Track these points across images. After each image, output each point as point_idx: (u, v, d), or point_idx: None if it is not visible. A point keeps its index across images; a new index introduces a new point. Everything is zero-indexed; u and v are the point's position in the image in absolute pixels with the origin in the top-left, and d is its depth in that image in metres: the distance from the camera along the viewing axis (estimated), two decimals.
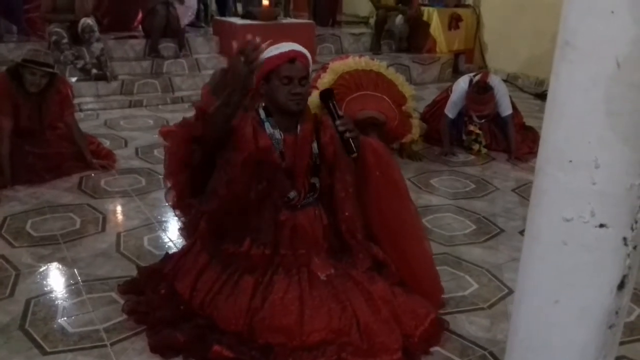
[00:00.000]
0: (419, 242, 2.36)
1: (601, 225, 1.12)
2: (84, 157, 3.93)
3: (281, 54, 2.12)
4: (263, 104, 2.21)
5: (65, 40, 5.71)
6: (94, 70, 5.87)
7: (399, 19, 7.46)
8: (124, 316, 2.30)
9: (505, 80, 5.56)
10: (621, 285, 1.17)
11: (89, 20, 5.75)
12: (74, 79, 5.77)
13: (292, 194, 2.22)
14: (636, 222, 1.11)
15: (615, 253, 1.14)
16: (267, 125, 2.18)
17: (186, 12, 7.17)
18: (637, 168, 1.07)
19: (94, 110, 5.64)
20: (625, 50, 1.01)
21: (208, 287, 2.18)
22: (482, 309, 2.46)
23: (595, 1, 1.04)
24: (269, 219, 2.20)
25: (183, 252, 2.38)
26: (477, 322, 2.36)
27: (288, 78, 2.11)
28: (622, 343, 1.85)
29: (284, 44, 2.16)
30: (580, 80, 1.08)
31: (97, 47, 5.80)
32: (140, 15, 6.91)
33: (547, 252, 1.22)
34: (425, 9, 7.74)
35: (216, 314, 2.12)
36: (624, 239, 1.13)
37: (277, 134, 2.18)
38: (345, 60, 4.39)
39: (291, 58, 2.13)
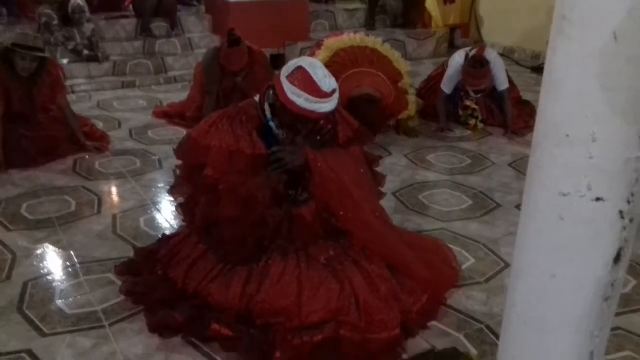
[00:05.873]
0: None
1: (598, 199, 1.11)
2: (77, 140, 3.91)
3: (312, 112, 2.00)
4: (270, 101, 2.13)
5: (55, 22, 5.63)
6: (86, 52, 5.80)
7: None
8: (122, 297, 2.31)
9: (501, 54, 5.52)
10: (617, 258, 1.17)
11: (79, 1, 5.67)
12: (65, 61, 5.71)
13: (292, 192, 2.20)
14: (632, 195, 1.10)
15: (612, 226, 1.14)
16: (272, 125, 2.15)
17: None
18: (633, 142, 1.06)
19: (86, 92, 5.59)
20: (622, 22, 1.00)
21: (202, 276, 2.17)
22: (479, 283, 2.47)
23: None
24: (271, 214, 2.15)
25: (180, 238, 2.37)
26: (474, 296, 2.37)
27: (301, 123, 2.10)
28: (617, 314, 1.87)
29: (324, 103, 2.00)
30: (577, 54, 1.07)
31: (88, 28, 5.73)
32: None
33: (543, 226, 1.21)
34: None
35: (210, 300, 2.12)
36: (620, 212, 1.12)
37: (282, 134, 2.17)
38: (340, 37, 4.36)
39: (318, 118, 2.10)
